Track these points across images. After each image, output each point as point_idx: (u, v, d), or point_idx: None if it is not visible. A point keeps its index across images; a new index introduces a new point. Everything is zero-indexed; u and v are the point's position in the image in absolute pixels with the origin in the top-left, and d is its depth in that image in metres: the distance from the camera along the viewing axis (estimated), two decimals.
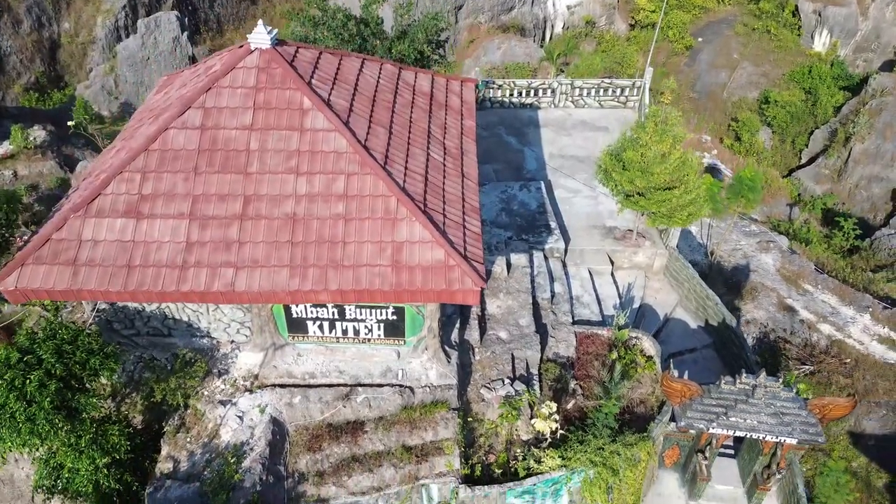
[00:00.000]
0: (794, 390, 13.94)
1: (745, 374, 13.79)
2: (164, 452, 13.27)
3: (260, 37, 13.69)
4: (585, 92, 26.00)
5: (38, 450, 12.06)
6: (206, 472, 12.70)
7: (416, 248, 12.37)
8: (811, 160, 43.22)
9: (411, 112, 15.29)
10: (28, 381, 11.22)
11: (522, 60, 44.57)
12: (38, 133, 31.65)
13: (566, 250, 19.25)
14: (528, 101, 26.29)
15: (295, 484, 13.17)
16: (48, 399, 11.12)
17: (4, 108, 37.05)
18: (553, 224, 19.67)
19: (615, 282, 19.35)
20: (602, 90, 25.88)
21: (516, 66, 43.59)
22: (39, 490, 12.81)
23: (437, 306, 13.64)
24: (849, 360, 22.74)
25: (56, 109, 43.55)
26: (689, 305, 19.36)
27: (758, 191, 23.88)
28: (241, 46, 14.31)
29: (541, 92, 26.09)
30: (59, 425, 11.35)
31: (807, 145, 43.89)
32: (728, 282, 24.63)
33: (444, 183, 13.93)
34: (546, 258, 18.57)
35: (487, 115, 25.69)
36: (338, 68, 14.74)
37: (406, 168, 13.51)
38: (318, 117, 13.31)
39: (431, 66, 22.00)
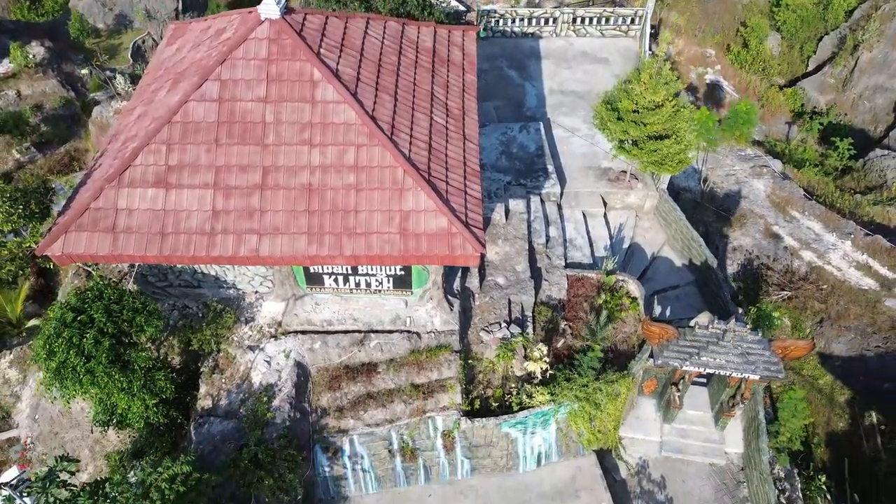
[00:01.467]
0: (760, 333, 15.59)
1: (717, 321, 15.39)
2: (202, 391, 15.20)
3: (269, 7, 14.23)
4: (587, 21, 26.03)
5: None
6: (241, 411, 14.68)
7: (421, 216, 13.61)
8: (818, 68, 42.87)
9: (415, 73, 15.98)
10: (84, 339, 12.86)
11: None
12: (36, 50, 31.65)
13: (562, 193, 20.38)
14: (530, 30, 26.38)
15: (318, 418, 15.21)
16: (104, 355, 12.80)
17: None
18: (550, 168, 20.67)
19: (607, 223, 20.59)
20: (604, 20, 25.89)
21: None
22: (96, 424, 14.84)
23: None
24: (825, 287, 24.33)
25: (51, 22, 42.87)
26: (675, 245, 20.70)
27: (753, 123, 24.58)
28: (251, 13, 14.87)
29: (542, 21, 26.12)
30: (115, 376, 13.10)
31: (814, 52, 43.35)
32: (719, 208, 25.82)
33: (446, 148, 14.91)
34: (543, 202, 19.76)
35: (489, 46, 25.89)
36: (344, 33, 15.32)
37: (411, 136, 14.46)
38: (327, 89, 14.14)
39: (434, 11, 22.06)
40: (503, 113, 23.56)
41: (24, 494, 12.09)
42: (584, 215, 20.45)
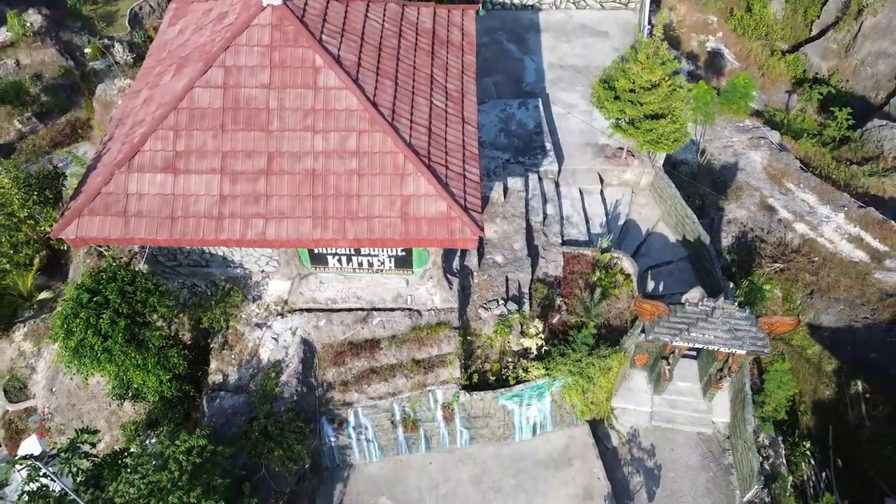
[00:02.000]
0: (749, 308, 16.21)
1: (707, 298, 16.00)
2: (213, 366, 15.92)
3: None
4: None
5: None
6: (251, 385, 15.42)
7: (421, 201, 14.08)
8: (821, 33, 42.52)
9: (415, 56, 16.24)
10: (101, 319, 13.49)
11: None
12: (34, 17, 31.40)
13: (559, 171, 20.76)
14: (530, 2, 26.40)
15: (324, 392, 15.96)
16: (120, 335, 13.45)
17: None
18: (548, 145, 20.99)
19: (604, 200, 21.01)
20: None
21: None
22: (113, 397, 15.60)
23: None
24: (817, 259, 24.88)
25: None
26: (669, 221, 21.17)
27: (751, 98, 24.78)
28: None
29: None
30: (131, 354, 13.77)
31: (818, 16, 42.94)
32: (716, 181, 26.17)
33: (446, 132, 15.28)
34: (541, 179, 20.16)
35: (489, 20, 25.92)
36: (345, 17, 15.54)
37: (411, 121, 14.82)
38: (329, 75, 14.45)
39: None
40: (502, 89, 23.75)
41: (49, 465, 12.88)
42: (580, 192, 20.88)
